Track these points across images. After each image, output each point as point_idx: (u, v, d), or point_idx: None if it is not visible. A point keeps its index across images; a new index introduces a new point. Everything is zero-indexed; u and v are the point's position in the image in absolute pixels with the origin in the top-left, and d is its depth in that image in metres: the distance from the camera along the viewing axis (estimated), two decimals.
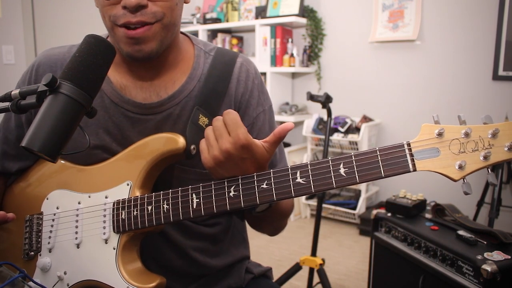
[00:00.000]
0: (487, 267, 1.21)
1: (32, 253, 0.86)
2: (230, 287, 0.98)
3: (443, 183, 3.18)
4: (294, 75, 3.75)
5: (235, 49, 3.87)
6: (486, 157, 0.57)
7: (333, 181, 0.64)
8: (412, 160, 0.61)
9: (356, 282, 2.34)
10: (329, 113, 2.10)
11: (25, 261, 0.87)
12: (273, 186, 0.67)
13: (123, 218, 0.78)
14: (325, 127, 3.01)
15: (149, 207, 0.76)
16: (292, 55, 3.46)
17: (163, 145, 0.79)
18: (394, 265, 1.60)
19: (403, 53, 3.12)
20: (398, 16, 3.09)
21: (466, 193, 0.59)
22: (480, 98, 2.82)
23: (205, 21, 3.91)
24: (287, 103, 3.63)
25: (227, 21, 3.83)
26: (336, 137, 3.11)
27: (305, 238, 2.95)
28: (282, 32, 3.49)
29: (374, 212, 1.70)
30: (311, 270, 2.07)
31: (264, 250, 2.78)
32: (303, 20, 3.42)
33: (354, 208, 3.12)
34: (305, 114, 3.58)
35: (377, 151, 0.62)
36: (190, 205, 0.73)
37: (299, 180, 0.66)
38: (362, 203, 3.10)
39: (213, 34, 3.95)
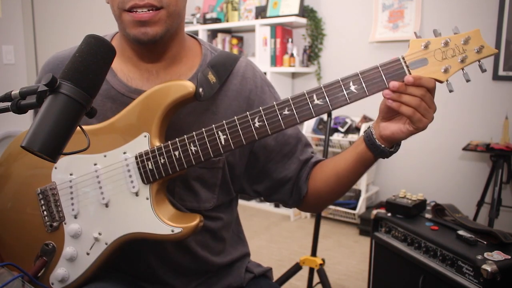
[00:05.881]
0: (487, 267, 1.21)
1: (55, 223, 0.86)
2: (231, 286, 0.98)
3: (443, 183, 3.16)
4: (294, 75, 3.75)
5: (235, 49, 3.88)
6: (463, 60, 0.73)
7: (347, 98, 0.72)
8: (409, 70, 0.73)
9: (356, 282, 2.34)
10: (329, 113, 2.10)
11: (50, 233, 0.87)
12: (294, 111, 0.74)
13: (151, 168, 0.80)
14: (325, 127, 3.01)
15: (176, 152, 0.78)
16: (292, 55, 3.46)
17: (174, 92, 0.80)
18: (394, 265, 1.60)
19: (403, 53, 3.11)
20: (398, 16, 3.09)
21: (450, 91, 0.74)
22: (480, 98, 2.82)
23: (205, 21, 3.91)
24: None
25: (227, 21, 3.83)
26: (336, 137, 3.11)
27: (305, 238, 2.95)
28: (282, 32, 3.49)
29: (374, 212, 1.70)
30: (311, 270, 2.07)
31: (264, 250, 2.78)
32: (303, 20, 3.42)
33: (354, 208, 3.12)
34: None
35: (379, 67, 0.74)
36: (219, 142, 0.76)
37: (316, 102, 0.73)
38: (362, 203, 3.10)
39: (213, 34, 3.95)
